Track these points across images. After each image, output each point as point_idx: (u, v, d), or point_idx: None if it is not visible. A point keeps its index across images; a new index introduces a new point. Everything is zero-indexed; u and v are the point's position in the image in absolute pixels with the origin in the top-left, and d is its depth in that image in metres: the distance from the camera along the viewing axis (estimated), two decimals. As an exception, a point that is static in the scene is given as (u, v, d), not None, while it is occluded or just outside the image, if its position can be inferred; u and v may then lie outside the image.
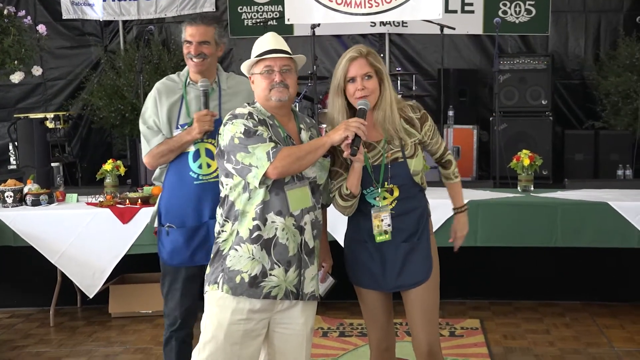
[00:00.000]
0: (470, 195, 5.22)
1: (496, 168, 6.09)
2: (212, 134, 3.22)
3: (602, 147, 6.54)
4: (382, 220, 2.92)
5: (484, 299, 5.74)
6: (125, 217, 5.32)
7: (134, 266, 5.60)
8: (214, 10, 7.49)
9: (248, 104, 3.17)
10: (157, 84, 3.38)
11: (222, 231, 3.08)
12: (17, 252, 5.47)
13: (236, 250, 2.97)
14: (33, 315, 5.87)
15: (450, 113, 6.82)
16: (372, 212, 2.94)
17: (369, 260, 3.04)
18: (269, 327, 3.08)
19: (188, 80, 3.29)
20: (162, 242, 3.36)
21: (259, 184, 2.89)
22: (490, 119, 6.54)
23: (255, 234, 2.95)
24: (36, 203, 5.49)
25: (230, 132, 2.95)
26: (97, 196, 5.55)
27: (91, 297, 5.30)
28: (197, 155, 3.27)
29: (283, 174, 2.90)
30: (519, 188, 5.47)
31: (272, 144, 2.91)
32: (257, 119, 3.03)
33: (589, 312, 5.42)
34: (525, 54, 7.08)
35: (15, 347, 5.22)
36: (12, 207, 5.50)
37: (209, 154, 3.25)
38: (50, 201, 5.54)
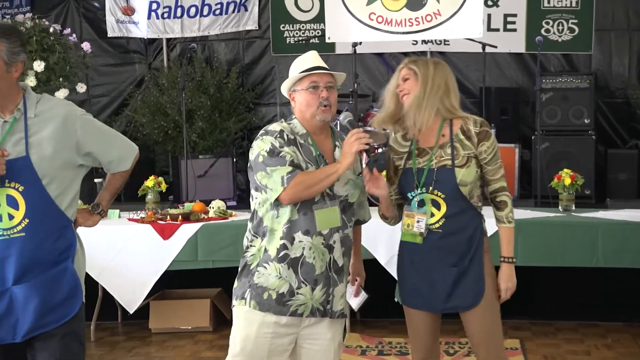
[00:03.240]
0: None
1: (537, 187, 5.90)
2: (12, 175, 2.62)
3: None
4: (417, 221, 2.77)
5: (524, 319, 5.43)
6: (166, 233, 5.12)
7: (175, 282, 5.44)
8: (257, 28, 7.19)
9: (284, 119, 3.02)
10: None
11: (251, 246, 2.94)
12: None
13: (265, 267, 2.85)
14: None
15: (493, 130, 6.45)
16: (405, 210, 2.81)
17: (418, 281, 2.86)
18: (297, 343, 2.93)
19: None
20: None
21: (273, 206, 2.83)
22: (532, 137, 6.34)
23: (283, 252, 2.83)
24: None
25: (258, 147, 2.81)
26: (138, 212, 5.37)
27: (132, 312, 5.16)
28: None
29: (294, 200, 2.76)
30: (560, 207, 5.18)
31: (290, 168, 2.77)
32: (286, 139, 2.86)
33: (631, 333, 5.09)
34: (568, 72, 6.77)
35: None
36: None
37: (11, 202, 2.59)
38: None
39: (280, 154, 2.79)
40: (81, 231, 5.04)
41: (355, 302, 3.14)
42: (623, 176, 6.22)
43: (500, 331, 2.95)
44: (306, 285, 2.86)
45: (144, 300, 5.21)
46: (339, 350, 3.07)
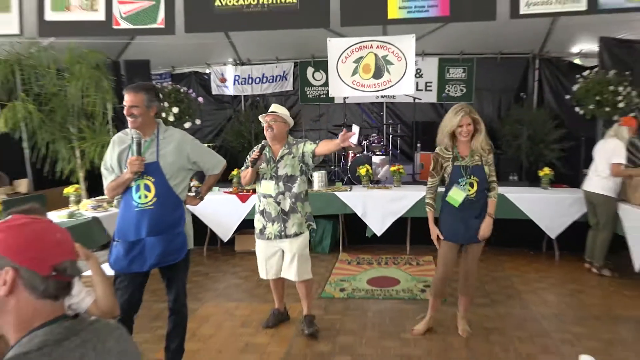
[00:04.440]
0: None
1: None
2: (148, 171, 3.11)
3: (502, 164, 7.01)
4: (461, 194, 3.74)
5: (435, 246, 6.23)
6: (243, 199, 6.48)
7: (247, 226, 6.32)
8: (292, 89, 8.35)
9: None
10: (114, 136, 3.26)
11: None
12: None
13: (255, 217, 4.16)
14: (195, 251, 5.51)
15: (419, 145, 7.74)
16: (454, 187, 3.78)
17: (457, 225, 3.84)
18: (282, 248, 4.09)
19: (133, 133, 3.13)
20: (111, 252, 3.16)
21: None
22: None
23: (258, 207, 4.12)
24: (197, 192, 5.24)
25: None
26: (229, 188, 6.70)
27: (225, 240, 6.61)
28: (137, 188, 3.11)
29: (246, 181, 4.00)
30: None
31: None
32: (260, 147, 3.99)
33: (494, 253, 6.54)
34: None
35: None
36: None
37: (147, 187, 3.11)
38: None
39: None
40: (206, 199, 4.38)
41: (355, 139, 3.65)
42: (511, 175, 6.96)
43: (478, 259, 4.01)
44: (268, 223, 4.03)
45: (232, 235, 6.56)
46: (302, 252, 4.08)
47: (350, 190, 6.59)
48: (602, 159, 5.75)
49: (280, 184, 3.96)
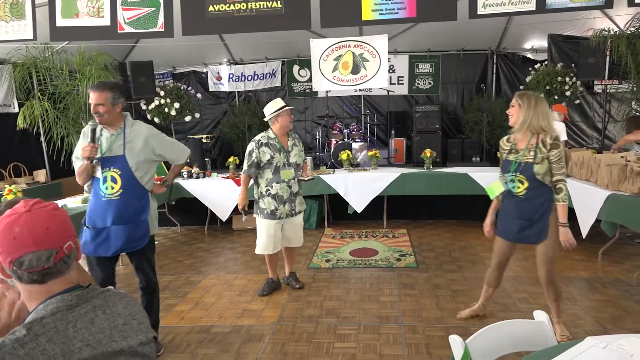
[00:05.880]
0: (403, 170, 6.51)
1: (414, 157, 7.04)
2: (115, 164, 2.97)
3: (466, 147, 7.26)
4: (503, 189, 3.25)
5: (409, 220, 6.98)
6: (239, 183, 5.34)
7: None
8: (280, 85, 8.15)
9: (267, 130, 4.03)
10: (84, 127, 3.07)
11: (255, 191, 4.15)
12: (189, 200, 6.54)
13: (262, 200, 4.11)
14: (197, 230, 6.99)
15: (393, 132, 7.78)
16: (498, 179, 3.34)
17: (507, 220, 3.28)
18: (283, 224, 4.19)
19: (90, 122, 3.00)
20: (81, 236, 3.03)
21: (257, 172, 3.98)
22: (412, 134, 7.30)
23: (267, 191, 4.08)
24: (198, 177, 6.62)
25: (247, 147, 4.08)
26: (226, 174, 6.64)
27: (224, 220, 6.56)
28: (105, 180, 2.98)
29: (244, 178, 4.04)
30: (425, 167, 6.63)
31: (251, 164, 3.96)
32: (260, 143, 4.00)
33: (460, 225, 6.69)
34: (428, 104, 7.75)
35: (190, 244, 6.29)
36: (186, 179, 6.52)
37: (113, 179, 2.98)
38: (204, 176, 6.64)
39: (252, 154, 3.99)
40: (206, 183, 6.00)
41: (306, 178, 4.11)
42: (454, 152, 7.25)
43: (553, 262, 3.19)
44: (280, 205, 4.09)
45: (230, 215, 6.49)
46: (302, 226, 4.31)
47: (333, 173, 6.58)
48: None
49: (292, 170, 4.07)
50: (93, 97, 2.90)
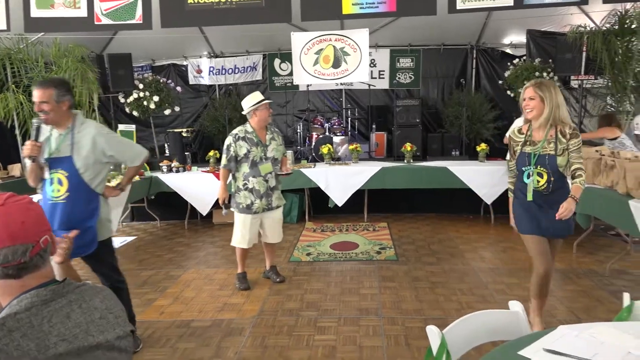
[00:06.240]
0: (384, 164, 6.50)
1: (395, 151, 7.11)
2: (61, 165, 2.83)
3: (446, 141, 7.32)
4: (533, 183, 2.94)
5: (389, 213, 7.01)
6: (219, 177, 5.08)
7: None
8: (261, 79, 8.08)
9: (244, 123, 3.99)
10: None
11: (233, 184, 4.10)
12: (169, 195, 6.50)
13: (239, 193, 4.08)
14: (177, 224, 6.93)
15: (374, 126, 7.81)
16: (524, 179, 3.00)
17: (530, 215, 3.01)
18: (262, 219, 4.17)
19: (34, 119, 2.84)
20: None
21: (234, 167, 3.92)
22: (392, 128, 7.32)
23: (244, 185, 4.05)
24: (178, 171, 6.57)
25: (225, 141, 4.05)
26: (207, 168, 6.58)
27: (204, 214, 6.52)
28: (51, 182, 2.86)
29: (222, 173, 4.00)
30: (405, 161, 6.66)
31: (229, 158, 3.93)
32: (237, 137, 3.95)
33: (439, 219, 6.79)
34: (409, 98, 7.74)
35: (170, 238, 6.23)
36: (166, 173, 6.47)
37: (60, 181, 2.85)
38: (184, 170, 6.63)
39: (229, 148, 3.95)
40: (186, 177, 5.94)
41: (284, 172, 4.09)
42: (434, 146, 7.30)
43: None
44: (257, 199, 4.06)
45: (209, 209, 6.42)
46: (281, 220, 4.27)
47: (314, 167, 6.57)
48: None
49: (270, 164, 4.04)
50: (36, 95, 2.76)
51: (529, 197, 2.96)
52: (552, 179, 2.89)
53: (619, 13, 5.90)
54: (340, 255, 5.27)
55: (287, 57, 7.66)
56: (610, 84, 6.20)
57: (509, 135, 3.14)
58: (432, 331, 1.76)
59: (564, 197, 2.88)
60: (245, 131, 4.00)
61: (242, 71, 8.34)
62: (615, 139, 5.02)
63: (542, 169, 2.88)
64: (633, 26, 5.85)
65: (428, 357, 1.76)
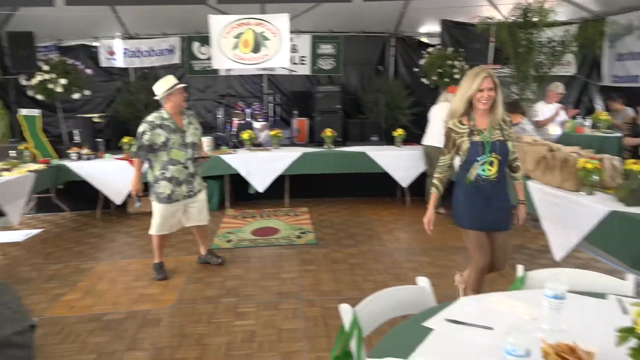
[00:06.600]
0: (305, 150, 6.55)
1: (316, 137, 7.05)
2: None
3: (366, 127, 7.32)
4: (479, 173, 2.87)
5: (310, 198, 7.14)
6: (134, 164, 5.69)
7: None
8: (180, 62, 7.83)
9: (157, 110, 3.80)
10: None
11: (149, 173, 3.99)
12: (79, 184, 6.16)
13: (158, 184, 3.97)
14: (88, 215, 6.62)
15: (295, 112, 7.54)
16: (474, 164, 2.88)
17: (476, 209, 2.94)
18: (186, 207, 4.11)
19: None
20: None
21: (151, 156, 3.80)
22: (314, 114, 7.25)
23: (163, 175, 3.94)
24: (89, 159, 6.30)
25: (138, 128, 3.87)
26: (120, 155, 6.41)
27: (119, 203, 6.32)
28: None
29: (136, 163, 3.86)
30: (325, 146, 6.69)
31: (140, 146, 3.79)
32: (154, 125, 3.82)
33: (358, 202, 6.99)
34: (329, 84, 7.65)
35: (80, 229, 5.96)
36: (75, 161, 6.23)
37: None
38: (96, 157, 6.36)
39: (143, 136, 3.79)
40: (98, 165, 5.82)
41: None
42: (354, 132, 7.28)
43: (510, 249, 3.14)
44: (177, 187, 4.00)
45: (124, 198, 6.24)
46: (206, 204, 4.23)
47: (234, 153, 6.48)
48: (437, 119, 6.07)
49: (189, 150, 3.95)
50: None
51: (475, 178, 2.89)
52: (501, 166, 2.87)
53: (523, 6, 6.26)
54: (261, 241, 5.27)
55: (206, 40, 7.34)
56: (515, 73, 6.58)
57: (449, 127, 2.94)
58: (345, 309, 1.81)
59: (506, 186, 2.94)
60: (162, 118, 3.87)
61: (159, 54, 7.95)
62: (517, 124, 5.36)
63: (495, 156, 2.83)
64: (535, 19, 6.24)
65: (341, 334, 1.81)
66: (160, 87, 3.88)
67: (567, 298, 1.69)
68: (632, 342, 1.25)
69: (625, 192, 3.44)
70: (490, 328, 1.69)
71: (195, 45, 7.91)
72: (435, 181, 3.02)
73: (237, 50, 6.62)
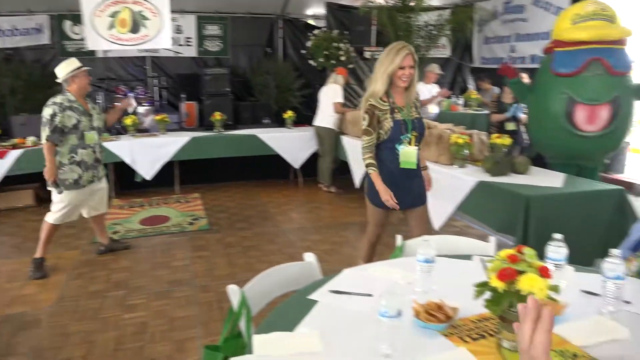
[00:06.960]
0: (194, 134, 6.31)
1: (205, 121, 6.91)
2: None
3: (257, 109, 7.42)
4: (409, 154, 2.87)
5: (202, 184, 6.96)
6: (2, 155, 5.44)
7: (9, 182, 5.63)
8: (50, 42, 7.27)
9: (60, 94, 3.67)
10: None
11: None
12: None
13: (63, 169, 3.78)
14: None
15: (183, 95, 7.31)
16: (400, 149, 2.86)
17: (393, 189, 2.88)
18: (90, 193, 3.98)
19: None
20: None
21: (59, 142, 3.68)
22: (202, 98, 7.14)
23: (73, 159, 3.80)
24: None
25: (45, 111, 3.68)
26: None
27: None
28: None
29: (49, 147, 3.67)
30: (215, 130, 6.53)
31: (54, 129, 3.64)
32: (64, 107, 3.71)
33: (251, 185, 6.99)
34: (218, 66, 7.50)
35: None
36: None
37: None
38: None
39: (54, 120, 3.65)
40: None
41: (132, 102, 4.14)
42: (245, 115, 7.30)
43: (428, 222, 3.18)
44: (84, 172, 3.88)
45: None
46: (107, 191, 4.18)
47: (117, 140, 6.13)
48: (326, 100, 6.26)
49: (97, 134, 3.93)
50: None
51: (415, 165, 2.91)
52: (417, 143, 2.87)
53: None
54: (150, 230, 5.08)
55: (79, 19, 6.75)
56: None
57: (371, 104, 2.81)
58: (233, 290, 1.82)
59: (418, 167, 2.99)
60: (69, 100, 3.75)
61: (24, 33, 7.24)
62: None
63: (414, 133, 2.82)
64: (412, 4, 6.58)
65: (230, 315, 1.82)
66: (63, 70, 3.76)
67: (436, 261, 1.85)
68: (487, 295, 1.39)
69: (490, 164, 3.80)
70: (370, 295, 1.80)
71: (67, 24, 7.33)
72: (369, 161, 2.86)
73: (114, 30, 6.19)
